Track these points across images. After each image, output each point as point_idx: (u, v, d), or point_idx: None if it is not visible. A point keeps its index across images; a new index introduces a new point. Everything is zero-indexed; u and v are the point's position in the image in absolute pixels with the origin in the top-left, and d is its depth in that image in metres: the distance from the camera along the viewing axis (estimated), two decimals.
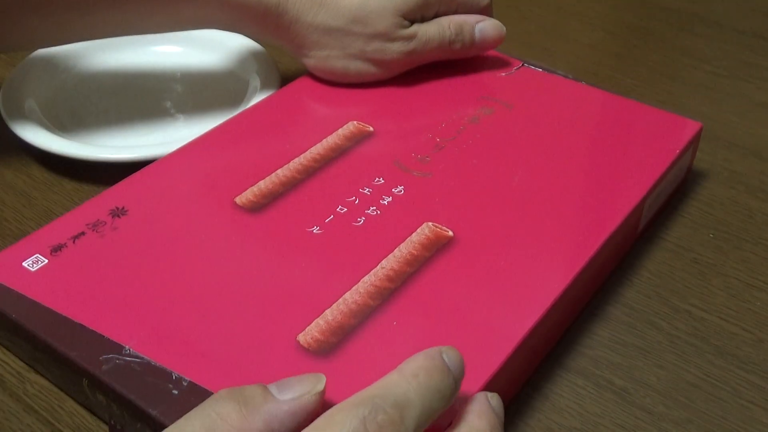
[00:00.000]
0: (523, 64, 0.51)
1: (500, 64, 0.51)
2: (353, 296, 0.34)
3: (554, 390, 0.35)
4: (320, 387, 0.27)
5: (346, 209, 0.39)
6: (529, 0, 0.71)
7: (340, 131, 0.44)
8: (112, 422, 0.32)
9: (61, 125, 0.49)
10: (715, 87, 0.59)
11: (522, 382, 0.35)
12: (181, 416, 0.28)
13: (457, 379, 0.27)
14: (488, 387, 0.31)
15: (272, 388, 0.27)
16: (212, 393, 0.30)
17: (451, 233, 0.37)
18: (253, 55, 0.55)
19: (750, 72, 0.61)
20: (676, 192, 0.47)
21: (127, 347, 0.32)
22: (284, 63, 0.55)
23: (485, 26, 0.50)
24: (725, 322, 0.39)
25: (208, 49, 0.57)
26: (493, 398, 0.29)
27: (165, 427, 0.29)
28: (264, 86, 0.51)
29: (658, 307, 0.40)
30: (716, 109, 0.56)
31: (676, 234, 0.45)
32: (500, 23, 0.51)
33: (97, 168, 0.46)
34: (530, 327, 0.33)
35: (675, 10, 0.70)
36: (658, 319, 0.39)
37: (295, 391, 0.26)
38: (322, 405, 0.27)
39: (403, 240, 0.37)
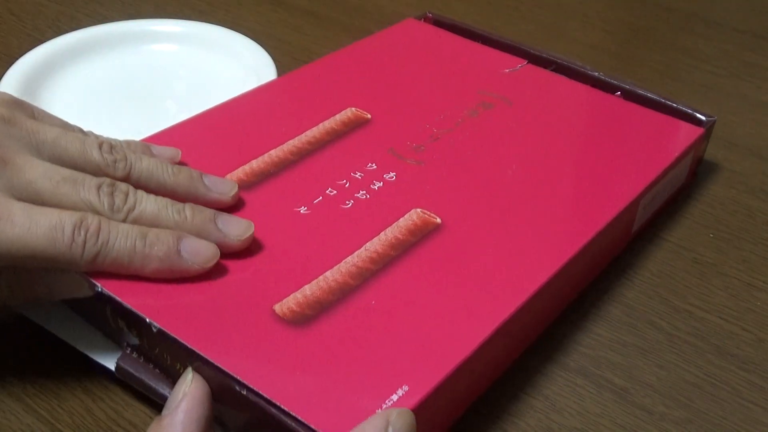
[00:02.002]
0: (527, 62, 0.51)
1: (503, 61, 0.52)
2: (334, 275, 0.34)
3: (554, 390, 0.35)
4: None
5: (335, 192, 0.39)
6: (529, 0, 0.71)
7: (338, 117, 0.44)
8: (128, 350, 0.33)
9: None
10: (715, 87, 0.59)
11: (501, 370, 0.35)
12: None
13: None
14: (461, 370, 0.31)
15: None
16: (181, 342, 0.30)
17: (438, 220, 0.37)
18: (253, 54, 0.55)
19: (750, 72, 0.61)
20: (678, 194, 0.47)
21: (98, 285, 0.32)
22: (284, 63, 0.55)
23: None
24: (725, 322, 0.39)
25: (208, 48, 0.57)
26: (401, 416, 0.27)
27: (189, 349, 0.29)
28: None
29: (658, 307, 0.40)
30: (716, 109, 0.56)
31: (676, 234, 0.45)
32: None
33: None
34: (506, 317, 0.33)
35: (675, 10, 0.70)
36: (658, 319, 0.39)
37: None
38: None
39: (391, 224, 0.37)
